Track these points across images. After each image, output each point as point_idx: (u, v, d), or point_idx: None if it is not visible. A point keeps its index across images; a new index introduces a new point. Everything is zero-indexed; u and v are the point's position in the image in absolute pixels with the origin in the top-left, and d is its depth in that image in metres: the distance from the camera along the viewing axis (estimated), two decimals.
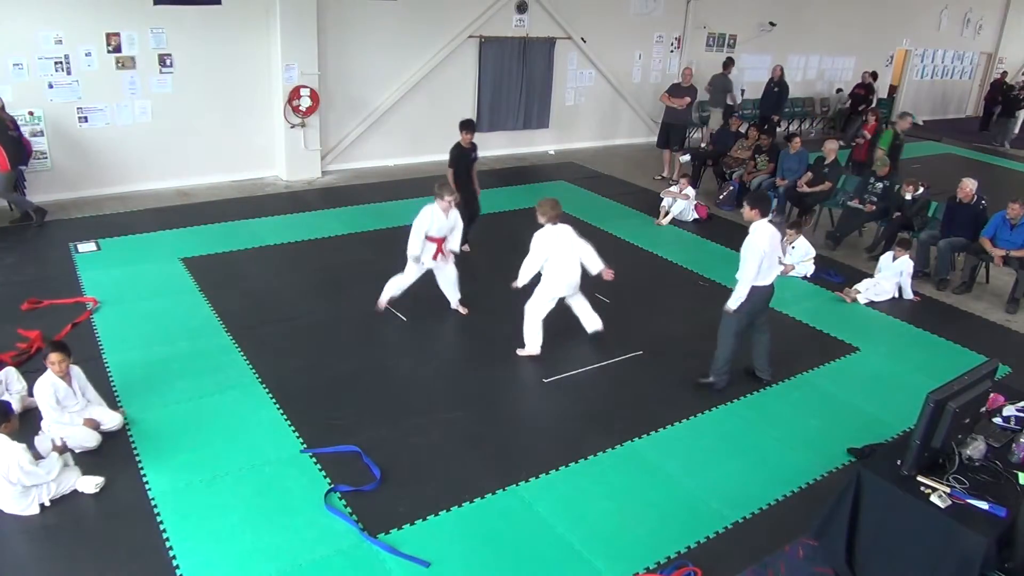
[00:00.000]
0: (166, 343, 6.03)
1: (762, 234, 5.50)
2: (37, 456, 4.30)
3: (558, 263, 6.00)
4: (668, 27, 14.28)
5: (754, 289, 5.53)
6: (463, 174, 8.15)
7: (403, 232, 8.73)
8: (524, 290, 7.04)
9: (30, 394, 4.89)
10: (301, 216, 9.26)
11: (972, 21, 20.65)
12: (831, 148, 9.89)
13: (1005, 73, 20.19)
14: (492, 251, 8.61)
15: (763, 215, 5.57)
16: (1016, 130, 18.36)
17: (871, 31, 17.81)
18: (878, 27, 17.98)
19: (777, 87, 14.01)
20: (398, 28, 11.04)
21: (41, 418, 4.72)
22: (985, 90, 20.47)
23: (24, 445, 4.20)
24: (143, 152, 9.62)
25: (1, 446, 4.11)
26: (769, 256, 5.52)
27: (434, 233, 6.45)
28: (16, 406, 4.79)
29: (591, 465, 4.90)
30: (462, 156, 8.13)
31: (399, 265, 6.62)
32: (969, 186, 8.38)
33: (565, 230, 6.03)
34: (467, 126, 8.11)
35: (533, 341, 6.16)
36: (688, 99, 11.77)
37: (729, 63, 13.47)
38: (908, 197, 8.90)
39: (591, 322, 6.42)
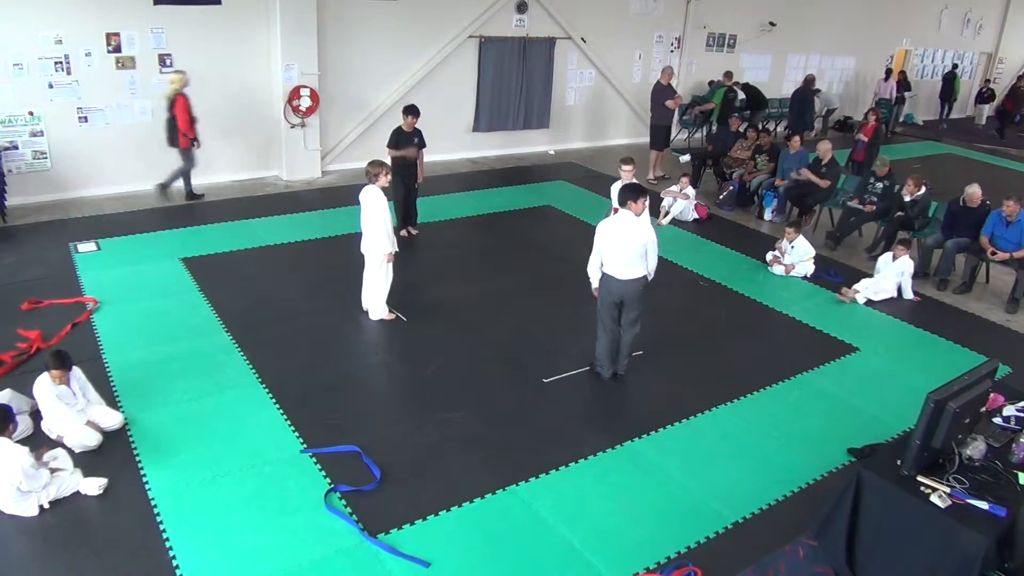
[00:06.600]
0: (166, 343, 6.03)
1: (612, 223, 5.53)
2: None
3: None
4: (668, 27, 14.29)
5: (604, 276, 5.62)
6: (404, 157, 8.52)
7: None
8: (521, 291, 7.03)
9: (31, 395, 4.88)
10: (301, 216, 9.26)
11: (972, 21, 20.66)
12: (825, 148, 9.88)
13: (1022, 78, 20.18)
14: (492, 250, 8.62)
15: (622, 204, 5.55)
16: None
17: (871, 31, 17.81)
18: (878, 27, 17.98)
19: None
20: (398, 28, 11.04)
21: (42, 418, 4.73)
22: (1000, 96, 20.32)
23: (27, 448, 4.20)
24: (143, 152, 9.60)
25: (3, 450, 4.11)
26: (612, 246, 5.48)
27: None
28: (26, 423, 4.79)
29: (591, 465, 4.90)
30: (401, 138, 8.48)
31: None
32: (977, 192, 8.35)
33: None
34: (410, 111, 8.48)
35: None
36: (680, 97, 12.10)
37: (728, 76, 13.57)
38: (908, 198, 8.88)
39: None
